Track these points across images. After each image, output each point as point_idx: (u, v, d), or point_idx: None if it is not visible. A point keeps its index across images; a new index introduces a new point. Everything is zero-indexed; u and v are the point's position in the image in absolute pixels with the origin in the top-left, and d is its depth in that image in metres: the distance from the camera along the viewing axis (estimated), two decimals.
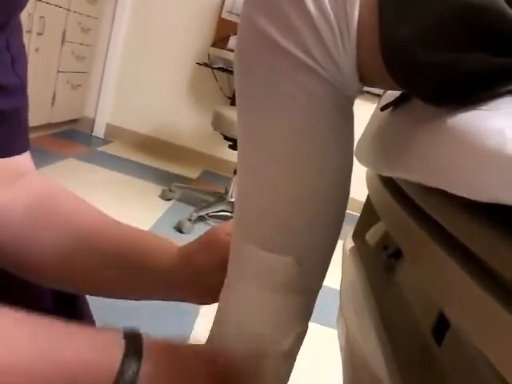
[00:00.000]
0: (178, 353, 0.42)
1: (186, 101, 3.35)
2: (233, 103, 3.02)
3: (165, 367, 0.39)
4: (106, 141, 3.38)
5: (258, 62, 0.38)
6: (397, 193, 0.51)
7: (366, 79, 0.38)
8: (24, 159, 0.55)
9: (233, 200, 2.32)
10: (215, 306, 0.47)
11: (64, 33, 2.76)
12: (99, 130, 3.44)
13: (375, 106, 0.62)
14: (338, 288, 0.74)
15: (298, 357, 0.46)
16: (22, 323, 0.37)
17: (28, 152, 0.56)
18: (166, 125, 3.41)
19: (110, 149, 3.21)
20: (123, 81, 3.37)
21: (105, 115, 3.43)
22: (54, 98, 2.83)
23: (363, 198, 0.76)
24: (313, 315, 0.46)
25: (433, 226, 0.38)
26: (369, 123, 0.61)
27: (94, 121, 3.44)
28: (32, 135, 0.56)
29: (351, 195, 0.44)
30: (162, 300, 0.58)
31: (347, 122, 0.41)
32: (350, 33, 0.35)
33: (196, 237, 0.57)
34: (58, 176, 2.31)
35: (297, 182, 0.39)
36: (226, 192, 2.48)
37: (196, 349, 0.44)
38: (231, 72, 2.86)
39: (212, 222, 2.33)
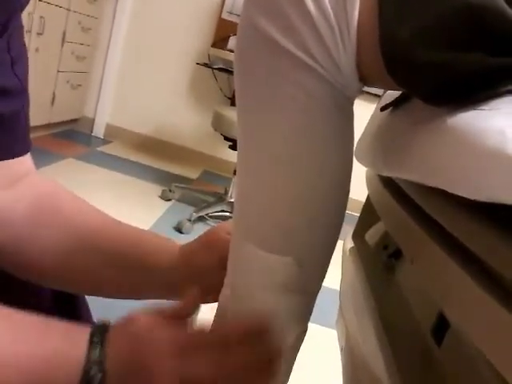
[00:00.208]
0: (136, 326, 0.41)
1: (185, 101, 3.35)
2: (233, 103, 3.02)
3: (125, 345, 0.39)
4: (105, 141, 3.38)
5: (258, 61, 0.38)
6: (397, 193, 0.51)
7: (365, 79, 0.38)
8: (25, 160, 0.55)
9: (232, 200, 2.32)
10: (215, 305, 0.47)
11: (64, 33, 2.76)
12: (99, 130, 3.44)
13: (375, 106, 0.61)
14: (338, 288, 0.74)
15: (297, 357, 0.46)
16: None
17: (29, 153, 0.56)
18: (166, 125, 3.41)
19: (109, 149, 3.21)
20: (123, 81, 3.37)
21: (105, 115, 3.42)
22: (53, 98, 2.83)
23: (363, 198, 0.76)
24: (312, 315, 0.46)
25: (433, 226, 0.38)
26: (369, 123, 0.61)
27: (93, 121, 3.44)
28: (32, 135, 0.56)
29: (351, 195, 0.44)
30: (163, 299, 0.58)
31: (347, 121, 0.40)
32: (350, 32, 0.34)
33: (196, 237, 0.57)
34: (57, 176, 2.31)
35: (296, 182, 0.39)
36: (226, 192, 2.48)
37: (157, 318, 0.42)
38: (231, 72, 2.86)
39: (212, 223, 2.33)
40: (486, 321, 0.28)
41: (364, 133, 0.60)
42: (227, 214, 2.35)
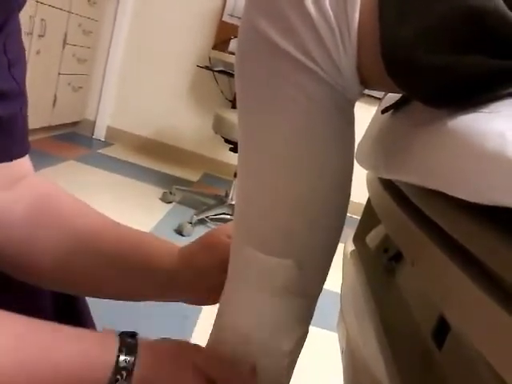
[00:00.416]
0: (167, 348, 0.44)
1: (186, 103, 3.36)
2: (234, 106, 3.02)
3: (156, 361, 0.42)
4: (106, 143, 3.38)
5: (259, 64, 0.38)
6: (397, 195, 0.51)
7: (366, 81, 0.38)
8: (23, 162, 0.55)
9: (233, 203, 2.32)
10: (215, 308, 0.47)
11: (65, 35, 2.76)
12: (100, 133, 3.44)
13: (376, 108, 0.62)
14: (339, 291, 0.74)
15: (298, 360, 0.45)
16: (10, 324, 0.38)
17: (27, 155, 0.56)
18: (167, 127, 3.41)
19: (110, 151, 3.21)
20: (124, 83, 3.38)
21: (105, 118, 3.43)
22: (54, 101, 2.83)
23: (364, 201, 0.76)
24: (313, 318, 0.46)
25: (433, 229, 0.38)
26: (369, 126, 0.61)
27: (94, 123, 3.44)
28: (32, 137, 0.56)
29: (352, 198, 0.44)
30: (163, 301, 0.58)
31: (348, 124, 0.40)
32: (351, 34, 0.34)
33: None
34: (58, 178, 2.31)
35: (297, 185, 0.39)
36: (227, 195, 2.48)
37: (184, 344, 0.46)
38: (232, 75, 2.87)
39: (212, 225, 2.33)
40: (486, 323, 0.28)
41: (365, 135, 0.60)
42: (228, 216, 2.35)
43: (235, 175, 2.24)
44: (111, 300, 0.58)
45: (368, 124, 0.62)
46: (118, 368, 0.39)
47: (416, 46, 0.32)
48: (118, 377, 0.39)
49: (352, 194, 0.44)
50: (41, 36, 2.48)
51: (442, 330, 0.45)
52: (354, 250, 0.75)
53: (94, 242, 0.54)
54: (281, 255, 0.40)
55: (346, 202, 0.43)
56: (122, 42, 3.31)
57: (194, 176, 3.19)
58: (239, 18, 2.98)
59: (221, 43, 3.08)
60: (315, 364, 1.35)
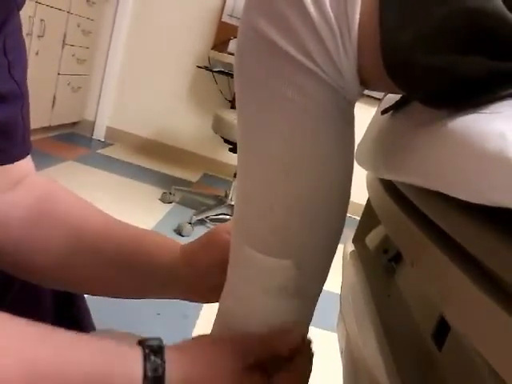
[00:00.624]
0: (200, 343, 0.42)
1: (186, 104, 3.36)
2: (233, 106, 3.02)
3: (189, 358, 0.39)
4: (106, 143, 3.38)
5: (258, 64, 0.38)
6: (397, 196, 0.51)
7: (366, 82, 0.38)
8: (24, 163, 0.54)
9: (233, 203, 2.32)
10: (215, 308, 0.47)
11: (64, 35, 2.76)
12: (99, 133, 3.44)
13: (375, 109, 0.61)
14: (339, 292, 0.74)
15: None
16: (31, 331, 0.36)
17: (29, 155, 0.56)
18: (166, 128, 3.41)
19: (110, 152, 3.21)
20: (123, 84, 3.38)
21: (105, 118, 3.43)
22: (54, 101, 2.83)
23: (363, 202, 0.76)
24: (313, 319, 0.46)
25: (433, 230, 0.38)
26: (369, 127, 0.61)
27: (94, 123, 3.44)
28: (32, 137, 0.56)
29: (351, 199, 0.44)
30: (164, 298, 0.58)
31: (348, 125, 0.40)
32: (351, 36, 0.34)
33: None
34: (57, 178, 2.29)
35: (297, 185, 0.39)
36: (226, 195, 2.48)
37: (216, 339, 0.44)
38: (231, 75, 2.86)
39: (212, 226, 2.32)
40: (486, 324, 0.28)
41: (365, 136, 0.60)
42: (227, 217, 2.35)
43: (235, 175, 2.24)
44: (110, 298, 0.58)
45: (368, 125, 0.62)
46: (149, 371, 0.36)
47: (416, 48, 0.32)
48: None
49: (352, 194, 0.44)
50: (40, 36, 2.48)
51: (441, 330, 0.45)
52: (353, 251, 0.75)
53: (95, 240, 0.54)
54: (280, 256, 0.40)
55: (346, 202, 0.43)
56: (122, 42, 3.31)
57: (193, 176, 3.19)
58: (239, 18, 2.97)
59: (220, 44, 3.07)
60: (315, 364, 1.34)
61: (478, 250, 0.31)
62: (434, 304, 0.47)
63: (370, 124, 0.60)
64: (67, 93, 2.99)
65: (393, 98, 0.51)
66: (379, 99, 0.64)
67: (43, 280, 0.56)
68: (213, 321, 0.46)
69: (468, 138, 0.29)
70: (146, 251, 0.55)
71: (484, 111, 0.31)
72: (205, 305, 1.44)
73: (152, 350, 0.38)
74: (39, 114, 2.71)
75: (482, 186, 0.27)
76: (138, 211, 2.29)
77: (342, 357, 0.66)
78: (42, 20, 2.45)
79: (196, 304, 0.60)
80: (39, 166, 0.57)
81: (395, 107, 0.48)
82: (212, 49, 3.10)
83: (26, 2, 0.51)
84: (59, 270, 0.54)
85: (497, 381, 0.28)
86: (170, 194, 2.52)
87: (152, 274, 0.55)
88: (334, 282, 0.73)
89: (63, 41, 2.77)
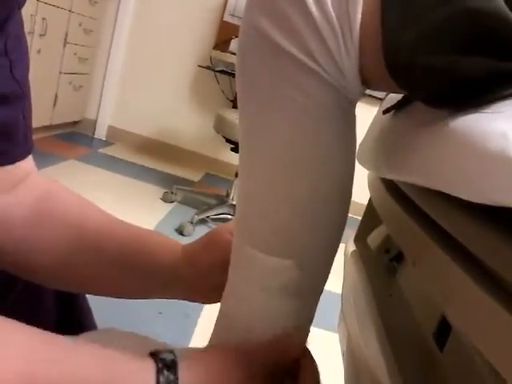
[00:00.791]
0: (210, 356, 0.42)
1: (187, 103, 3.36)
2: (235, 106, 3.02)
3: (202, 371, 0.39)
4: (107, 143, 3.39)
5: (260, 64, 0.38)
6: (399, 196, 0.51)
7: (368, 82, 0.38)
8: (26, 162, 0.54)
9: (234, 203, 2.32)
10: (217, 308, 0.47)
11: (66, 34, 2.77)
12: (101, 132, 3.44)
13: (377, 109, 0.61)
14: (340, 292, 0.74)
15: None
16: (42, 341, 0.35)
17: (30, 155, 0.56)
18: (168, 127, 3.41)
19: (111, 151, 3.21)
20: (125, 82, 3.38)
21: (106, 117, 3.43)
22: (55, 100, 2.84)
23: (365, 201, 0.76)
24: (314, 319, 0.46)
25: (435, 229, 0.38)
26: (371, 126, 0.60)
27: (95, 122, 3.44)
28: (33, 136, 0.56)
29: (353, 198, 0.44)
30: (166, 298, 0.58)
31: (349, 124, 0.40)
32: (353, 35, 0.34)
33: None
34: (58, 178, 2.30)
35: (298, 185, 0.39)
36: (228, 195, 2.48)
37: (223, 349, 0.43)
38: (233, 75, 2.87)
39: (213, 225, 2.33)
40: (488, 324, 0.28)
41: (366, 136, 0.60)
42: (229, 216, 2.35)
43: (236, 175, 2.24)
44: (112, 298, 0.58)
45: (369, 124, 0.62)
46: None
47: (418, 48, 0.32)
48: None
49: (353, 194, 0.44)
50: (42, 35, 2.48)
51: (443, 330, 0.45)
52: (355, 251, 0.75)
53: (97, 240, 0.54)
54: (281, 256, 0.40)
55: (348, 202, 0.43)
56: (123, 41, 3.32)
57: (195, 176, 3.19)
58: (240, 17, 2.97)
59: (222, 43, 3.08)
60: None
61: (479, 249, 0.30)
62: (435, 304, 0.47)
63: (372, 124, 0.60)
64: (69, 91, 2.99)
65: (394, 97, 0.51)
66: (381, 99, 0.64)
67: (45, 280, 0.56)
68: (214, 320, 0.46)
69: (470, 137, 0.29)
70: (147, 251, 0.55)
71: (485, 111, 0.31)
72: (206, 304, 1.45)
73: (165, 364, 0.37)
74: (41, 113, 2.71)
75: (484, 186, 0.27)
76: (139, 210, 2.29)
77: (343, 357, 0.66)
78: (43, 18, 2.45)
79: (197, 303, 0.60)
80: (40, 164, 0.57)
81: (397, 107, 0.48)
82: (214, 48, 3.10)
83: (28, 1, 0.51)
84: (61, 270, 0.54)
85: (498, 381, 0.28)
86: (172, 193, 2.53)
87: (153, 274, 0.55)
88: (335, 282, 0.73)
89: (65, 39, 2.77)
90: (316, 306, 0.45)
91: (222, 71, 3.02)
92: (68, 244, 0.53)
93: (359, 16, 0.34)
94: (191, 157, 3.41)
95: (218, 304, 0.47)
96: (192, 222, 2.15)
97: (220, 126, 2.30)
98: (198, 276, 0.54)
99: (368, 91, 0.40)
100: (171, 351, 0.38)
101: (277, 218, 0.40)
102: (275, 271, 0.41)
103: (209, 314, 1.53)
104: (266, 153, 0.39)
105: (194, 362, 0.40)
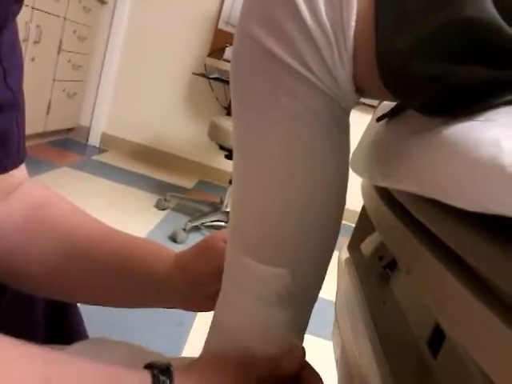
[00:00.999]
0: (203, 365, 0.42)
1: (182, 110, 3.36)
2: (229, 113, 3.02)
3: (195, 380, 0.39)
4: (101, 150, 3.38)
5: (254, 72, 0.38)
6: (392, 203, 0.51)
7: (362, 90, 0.38)
8: (18, 171, 0.54)
9: (228, 210, 2.32)
10: (210, 316, 0.46)
11: (60, 41, 2.77)
12: (94, 139, 3.44)
13: (370, 117, 0.62)
14: (334, 299, 0.74)
15: None
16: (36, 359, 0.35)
17: (23, 163, 0.55)
18: (162, 134, 3.41)
19: (105, 158, 3.20)
20: (119, 90, 3.38)
21: (100, 124, 3.43)
22: (49, 107, 2.83)
23: (358, 209, 0.76)
24: (309, 327, 0.45)
25: (428, 237, 0.38)
26: (364, 134, 0.61)
27: (89, 129, 3.43)
28: (26, 143, 0.56)
29: (346, 206, 0.44)
30: (158, 307, 0.57)
31: (343, 132, 0.40)
32: (347, 44, 0.35)
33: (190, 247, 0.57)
34: (51, 185, 2.30)
35: (292, 194, 0.39)
36: (221, 202, 2.48)
37: (220, 361, 0.43)
38: (227, 82, 2.88)
39: (207, 232, 2.32)
40: (481, 332, 0.28)
41: (360, 143, 0.61)
42: (222, 223, 2.35)
43: (230, 182, 2.24)
44: (104, 307, 0.58)
45: (363, 132, 0.62)
46: None
47: (411, 57, 0.33)
48: None
49: (347, 201, 0.44)
50: (36, 42, 2.48)
51: (437, 337, 0.45)
52: (348, 258, 0.75)
53: (89, 249, 0.54)
54: (276, 264, 0.40)
55: (341, 210, 0.43)
56: (118, 48, 3.32)
57: (188, 183, 3.18)
58: (235, 25, 2.99)
59: (216, 51, 3.09)
60: None
61: (473, 257, 0.31)
62: (429, 311, 0.47)
63: (365, 131, 0.61)
64: (62, 99, 2.99)
65: (388, 105, 0.51)
66: (374, 107, 0.65)
67: (36, 288, 0.55)
68: (207, 329, 0.46)
69: (463, 145, 0.29)
70: (139, 259, 0.55)
71: (479, 119, 0.31)
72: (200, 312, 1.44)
73: (160, 370, 0.37)
74: (34, 120, 2.70)
75: (477, 194, 0.27)
76: (132, 218, 2.28)
77: (337, 365, 0.66)
78: (38, 26, 2.45)
79: (190, 312, 0.60)
80: (33, 172, 0.56)
81: (390, 114, 0.48)
82: (208, 56, 3.11)
83: (22, 8, 0.51)
84: (52, 278, 0.54)
85: None
86: (165, 200, 2.52)
87: (145, 282, 0.54)
88: (329, 290, 0.73)
89: (59, 47, 2.77)
90: (310, 314, 0.45)
91: (216, 79, 3.03)
92: (59, 251, 0.52)
93: (353, 24, 0.34)
94: (185, 164, 3.40)
95: (212, 312, 0.47)
96: (185, 230, 2.14)
97: (214, 133, 2.30)
98: (191, 284, 0.54)
99: (361, 99, 0.40)
100: (167, 361, 0.38)
101: (271, 226, 0.40)
102: (269, 280, 0.40)
103: (202, 322, 1.53)
104: (260, 160, 0.39)
105: (188, 369, 0.40)
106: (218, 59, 2.90)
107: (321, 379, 0.43)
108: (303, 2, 0.34)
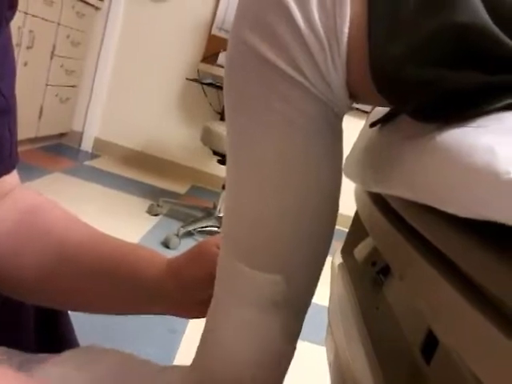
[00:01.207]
0: None
1: (175, 116, 3.36)
2: (222, 118, 3.03)
3: None
4: (93, 155, 3.36)
5: (248, 77, 0.38)
6: (385, 209, 0.51)
7: (355, 96, 0.38)
8: (10, 176, 0.54)
9: (221, 215, 2.31)
10: (203, 322, 0.46)
11: (54, 46, 2.76)
12: (87, 144, 3.42)
13: (364, 122, 0.62)
14: (327, 305, 0.73)
15: (286, 375, 0.45)
16: None
17: (15, 169, 0.55)
18: (155, 139, 3.40)
19: (97, 163, 3.19)
20: (112, 95, 3.37)
21: (93, 129, 3.41)
22: (41, 112, 2.81)
23: (351, 213, 0.76)
24: (302, 332, 0.45)
25: (422, 243, 0.38)
26: (357, 140, 0.61)
27: (82, 134, 3.42)
28: (18, 149, 0.55)
29: (340, 210, 0.44)
30: (150, 314, 0.57)
31: (336, 138, 0.41)
32: (340, 49, 0.35)
33: (183, 252, 0.57)
34: (44, 191, 2.28)
35: (285, 199, 0.39)
36: (215, 207, 2.47)
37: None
38: (221, 88, 2.88)
39: (199, 238, 2.31)
40: (475, 338, 0.28)
41: (353, 149, 0.61)
42: (215, 229, 2.34)
43: (223, 187, 2.24)
44: (96, 315, 0.57)
45: (356, 138, 0.62)
46: None
47: (404, 63, 0.33)
48: None
49: (340, 206, 0.44)
50: (29, 47, 2.47)
51: (430, 343, 0.45)
52: (341, 263, 0.75)
53: (80, 254, 0.53)
54: (268, 270, 0.40)
55: (335, 216, 0.43)
56: (111, 53, 3.32)
57: (181, 188, 3.18)
58: (228, 31, 3.00)
59: (210, 56, 3.09)
60: (303, 379, 1.33)
61: (466, 263, 0.31)
62: (422, 317, 0.47)
63: (359, 137, 0.61)
64: (55, 104, 2.98)
65: (381, 111, 0.52)
66: (367, 112, 0.65)
67: (27, 294, 0.55)
68: (200, 335, 0.45)
69: (456, 151, 0.29)
70: (131, 265, 0.54)
71: (472, 125, 0.31)
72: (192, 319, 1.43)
73: None
74: (26, 125, 2.68)
75: (471, 200, 0.27)
76: (125, 223, 2.27)
77: (330, 369, 0.65)
78: (30, 31, 2.44)
79: (183, 318, 0.59)
80: (25, 178, 0.56)
81: (383, 120, 0.48)
82: (202, 61, 3.11)
83: (15, 13, 0.50)
84: (43, 283, 0.53)
85: None
86: (158, 205, 2.51)
87: (137, 288, 0.54)
88: (322, 295, 0.73)
89: (52, 52, 2.76)
90: (303, 319, 0.45)
91: (209, 84, 3.03)
92: (50, 257, 0.52)
93: (346, 30, 0.34)
94: (178, 169, 3.40)
95: (204, 319, 0.47)
96: (178, 235, 2.13)
97: (207, 138, 2.30)
98: (183, 290, 0.53)
99: (355, 104, 0.40)
100: None
101: (264, 231, 0.40)
102: (262, 286, 0.40)
103: (195, 329, 1.52)
104: (254, 166, 0.39)
105: None
106: (212, 65, 2.90)
107: None
108: (296, 7, 0.34)
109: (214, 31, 3.19)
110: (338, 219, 0.45)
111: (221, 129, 2.24)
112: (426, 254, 0.37)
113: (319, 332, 0.84)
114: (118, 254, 0.55)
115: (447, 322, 0.32)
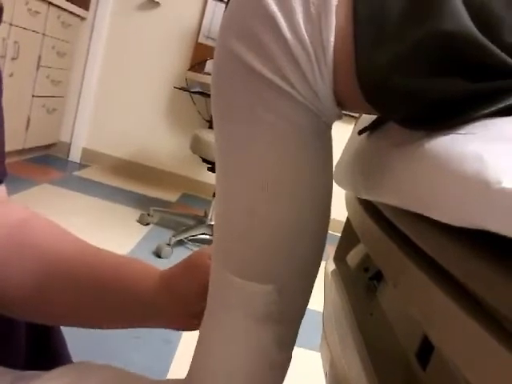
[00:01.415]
0: None
1: (163, 124, 3.35)
2: (211, 126, 3.02)
3: None
4: (82, 165, 3.34)
5: (235, 86, 0.38)
6: (377, 216, 0.51)
7: (343, 104, 0.38)
8: None
9: (212, 223, 2.31)
10: (197, 333, 0.46)
11: (39, 57, 2.74)
12: (75, 155, 3.40)
13: (352, 127, 0.62)
14: (321, 310, 0.73)
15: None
16: None
17: (3, 183, 0.54)
18: (144, 148, 3.39)
19: (86, 173, 3.17)
20: (100, 105, 3.36)
21: (81, 139, 3.39)
22: (28, 123, 2.79)
23: (344, 218, 0.76)
24: (298, 339, 0.45)
25: (414, 250, 0.38)
26: (346, 146, 0.61)
27: (69, 145, 3.40)
28: (6, 161, 0.55)
29: (332, 216, 0.44)
30: (144, 327, 0.56)
31: (325, 146, 0.40)
32: (327, 59, 0.35)
33: (175, 262, 0.56)
34: (31, 203, 2.27)
35: (275, 209, 0.39)
36: (206, 215, 2.47)
37: None
38: (209, 95, 2.88)
39: (191, 246, 2.30)
40: (469, 345, 0.28)
41: (342, 156, 0.61)
42: (207, 237, 2.33)
43: (214, 195, 2.23)
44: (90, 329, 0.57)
45: (345, 144, 0.62)
46: None
47: (391, 71, 0.33)
48: None
49: (334, 211, 0.43)
50: (14, 59, 2.45)
51: (426, 349, 0.44)
52: (334, 270, 0.75)
53: (70, 269, 0.53)
54: (261, 281, 0.40)
55: (326, 225, 0.43)
56: (98, 63, 3.30)
57: (172, 196, 3.16)
58: (215, 39, 3.00)
59: (197, 64, 3.09)
60: None
61: (459, 270, 0.31)
62: (417, 323, 0.47)
63: (348, 144, 0.61)
64: (42, 115, 2.95)
65: (369, 117, 0.52)
66: (355, 117, 0.65)
67: (18, 312, 0.54)
68: (194, 346, 0.45)
69: (445, 159, 0.29)
70: (123, 278, 0.54)
71: (459, 132, 0.31)
72: None
73: None
74: (13, 137, 2.66)
75: (460, 208, 0.27)
76: (115, 234, 2.25)
77: (326, 378, 0.65)
78: (15, 42, 2.43)
79: None
80: (13, 190, 0.55)
81: (372, 127, 0.48)
82: (189, 70, 3.11)
83: (0, 25, 0.50)
84: (33, 299, 0.52)
85: None
86: (148, 215, 2.50)
87: (130, 301, 0.53)
88: (316, 301, 0.73)
89: (38, 62, 2.74)
90: (298, 329, 0.44)
91: (197, 92, 3.03)
92: (41, 273, 0.51)
93: (332, 39, 0.34)
94: (168, 177, 3.39)
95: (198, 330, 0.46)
96: (170, 244, 2.12)
97: (196, 146, 2.29)
98: (177, 303, 0.53)
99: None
100: None
101: (254, 242, 0.39)
102: (254, 297, 0.40)
103: (189, 340, 1.51)
104: (243, 175, 0.39)
105: None
106: (199, 73, 2.90)
107: None
108: (282, 17, 0.34)
109: (201, 39, 3.20)
110: (331, 224, 0.45)
111: (210, 137, 2.24)
112: (418, 261, 0.37)
113: (313, 337, 0.84)
114: (110, 267, 0.54)
115: (441, 329, 0.32)
